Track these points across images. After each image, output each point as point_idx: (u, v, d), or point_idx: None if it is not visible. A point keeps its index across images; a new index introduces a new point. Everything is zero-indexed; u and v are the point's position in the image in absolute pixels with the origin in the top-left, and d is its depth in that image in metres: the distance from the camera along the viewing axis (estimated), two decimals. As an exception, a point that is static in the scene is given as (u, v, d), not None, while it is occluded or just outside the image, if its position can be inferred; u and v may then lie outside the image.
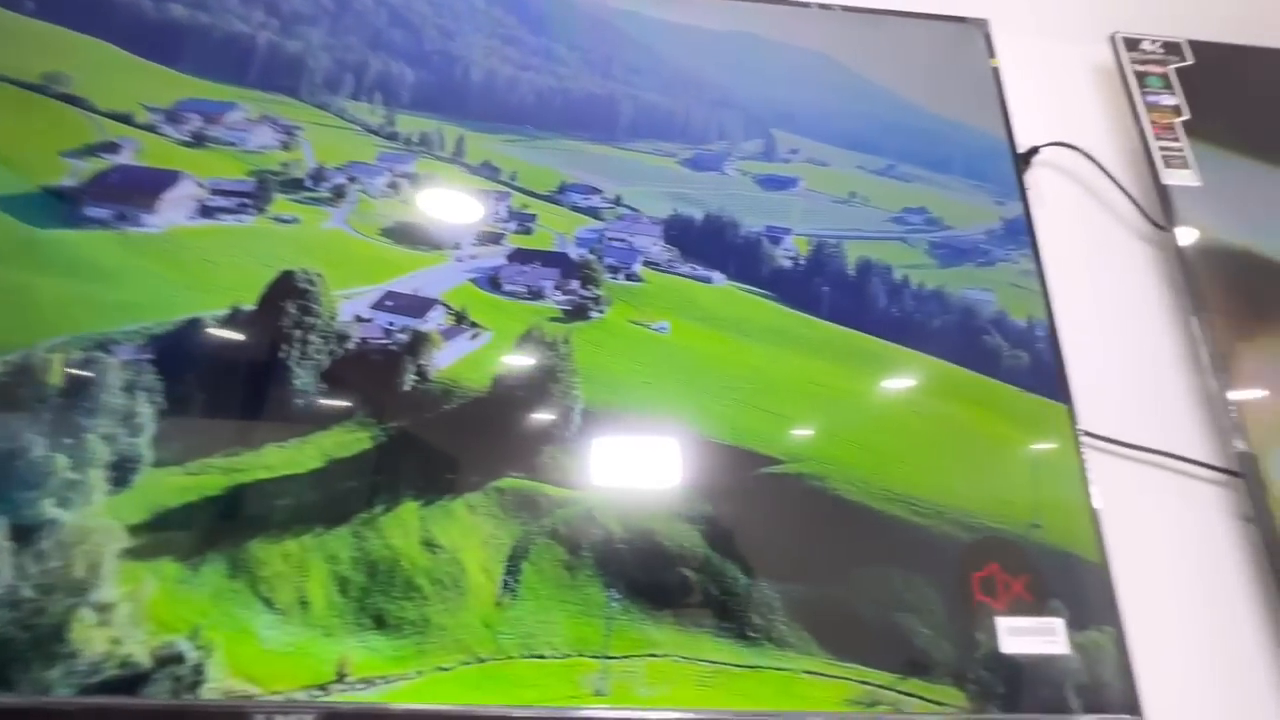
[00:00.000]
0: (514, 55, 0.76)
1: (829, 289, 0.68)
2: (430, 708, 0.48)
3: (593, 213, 0.69)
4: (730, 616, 0.52)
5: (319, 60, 0.74)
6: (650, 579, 0.54)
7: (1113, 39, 0.82)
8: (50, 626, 0.47)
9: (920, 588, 0.55)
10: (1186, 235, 0.72)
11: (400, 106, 0.73)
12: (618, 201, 0.70)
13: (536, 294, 0.66)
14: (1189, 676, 0.58)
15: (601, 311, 0.65)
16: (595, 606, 0.53)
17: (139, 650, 0.46)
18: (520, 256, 0.67)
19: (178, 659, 0.47)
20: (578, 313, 0.65)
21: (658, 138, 0.74)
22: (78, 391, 0.55)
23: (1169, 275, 0.76)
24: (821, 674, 0.52)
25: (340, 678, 0.48)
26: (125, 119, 0.69)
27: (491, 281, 0.66)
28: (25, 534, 0.49)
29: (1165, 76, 0.80)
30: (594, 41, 0.78)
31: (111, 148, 0.68)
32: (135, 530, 0.50)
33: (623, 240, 0.68)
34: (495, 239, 0.67)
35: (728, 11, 0.79)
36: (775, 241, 0.69)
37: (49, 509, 0.51)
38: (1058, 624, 0.53)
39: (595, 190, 0.70)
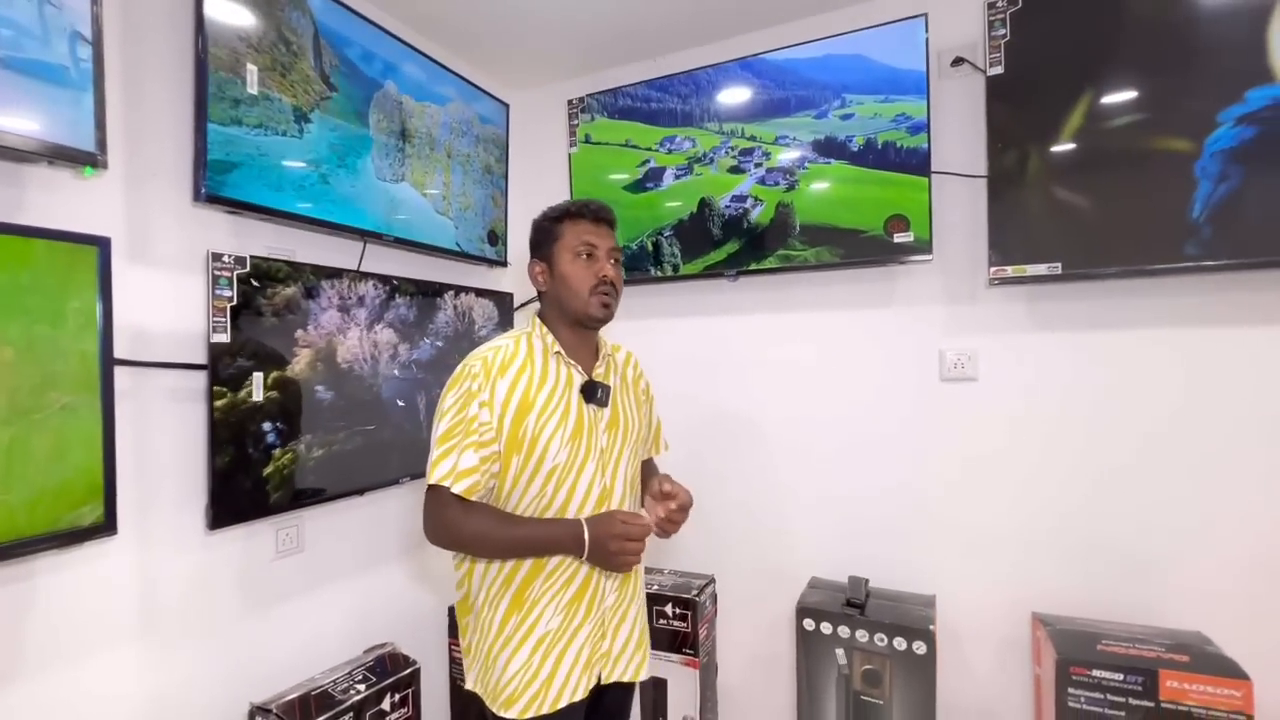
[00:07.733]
0: (752, 84, 1.98)
1: (870, 154, 1.82)
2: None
3: (788, 147, 1.95)
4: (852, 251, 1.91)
5: (705, 108, 2.11)
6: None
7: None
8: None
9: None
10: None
11: (724, 120, 2.06)
12: (794, 140, 1.93)
13: (776, 184, 1.99)
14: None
15: (798, 185, 1.96)
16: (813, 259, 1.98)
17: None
18: (768, 171, 2.00)
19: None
20: (790, 189, 1.97)
21: (803, 110, 1.90)
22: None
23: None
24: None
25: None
26: (671, 152, 2.23)
27: (760, 182, 2.02)
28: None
29: None
30: (770, 71, 1.92)
31: (646, 162, 2.23)
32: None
33: (801, 155, 1.93)
34: (759, 165, 2.01)
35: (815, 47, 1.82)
36: (849, 139, 1.84)
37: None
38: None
39: (788, 137, 1.95)
